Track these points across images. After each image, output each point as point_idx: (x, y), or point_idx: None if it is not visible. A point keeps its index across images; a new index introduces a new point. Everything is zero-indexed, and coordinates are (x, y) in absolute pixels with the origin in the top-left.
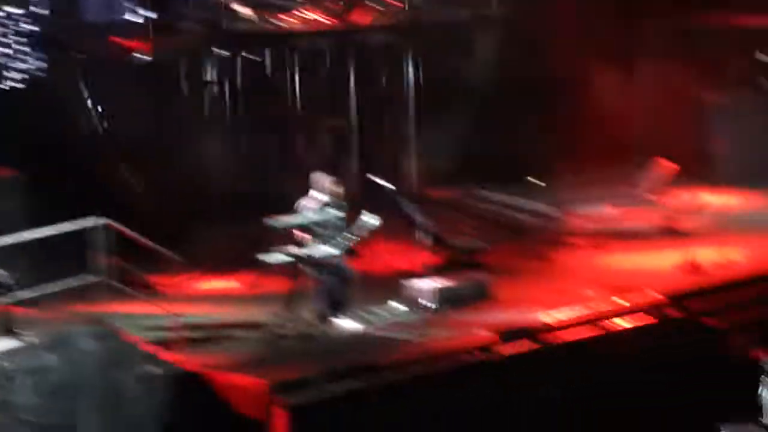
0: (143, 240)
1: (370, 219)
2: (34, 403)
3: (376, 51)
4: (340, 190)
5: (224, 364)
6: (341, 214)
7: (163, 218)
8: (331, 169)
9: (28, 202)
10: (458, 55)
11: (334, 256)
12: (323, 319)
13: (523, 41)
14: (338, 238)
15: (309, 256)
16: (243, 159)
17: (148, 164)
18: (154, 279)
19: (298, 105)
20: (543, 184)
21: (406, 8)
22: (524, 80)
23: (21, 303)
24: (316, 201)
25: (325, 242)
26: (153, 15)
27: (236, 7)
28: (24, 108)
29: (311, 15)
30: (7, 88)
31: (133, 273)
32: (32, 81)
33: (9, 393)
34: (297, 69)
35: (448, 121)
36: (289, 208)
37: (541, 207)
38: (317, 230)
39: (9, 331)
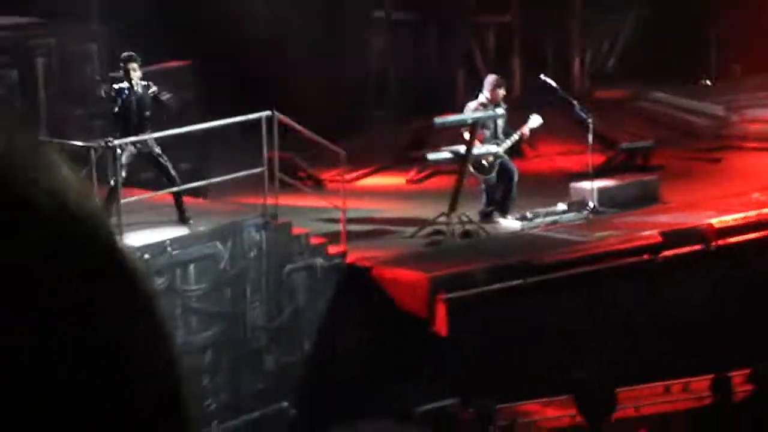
0: (310, 134)
1: (534, 118)
2: (202, 291)
3: None
4: (503, 88)
5: (387, 259)
6: (503, 113)
7: (330, 114)
8: (497, 68)
9: (202, 93)
10: None
11: (498, 155)
12: (486, 217)
13: None
14: (503, 137)
15: (473, 155)
16: (410, 56)
17: (316, 60)
18: (320, 173)
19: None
20: (715, 86)
21: None
22: None
23: (191, 193)
24: (484, 100)
25: (489, 141)
26: None
27: None
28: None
29: None
30: None
31: (300, 166)
32: None
33: (177, 280)
34: None
35: (617, 19)
36: (457, 107)
37: (713, 109)
38: (482, 129)
39: (179, 220)
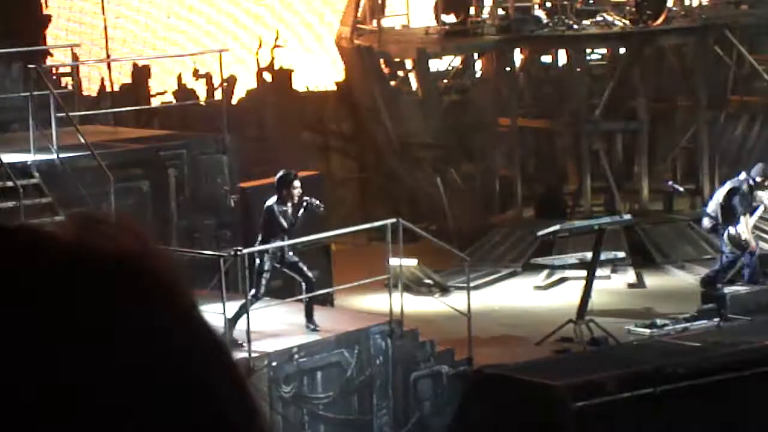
0: (432, 239)
1: None
2: (329, 398)
3: (670, 53)
4: None
5: (514, 366)
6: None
7: (457, 219)
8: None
9: (328, 201)
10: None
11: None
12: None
13: None
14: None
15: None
16: (538, 160)
17: (449, 165)
18: (446, 279)
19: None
20: None
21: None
22: None
23: (318, 300)
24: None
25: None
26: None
27: (537, 12)
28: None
29: (610, 19)
30: None
31: (424, 271)
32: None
33: (305, 388)
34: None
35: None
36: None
37: None
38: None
39: (306, 327)
